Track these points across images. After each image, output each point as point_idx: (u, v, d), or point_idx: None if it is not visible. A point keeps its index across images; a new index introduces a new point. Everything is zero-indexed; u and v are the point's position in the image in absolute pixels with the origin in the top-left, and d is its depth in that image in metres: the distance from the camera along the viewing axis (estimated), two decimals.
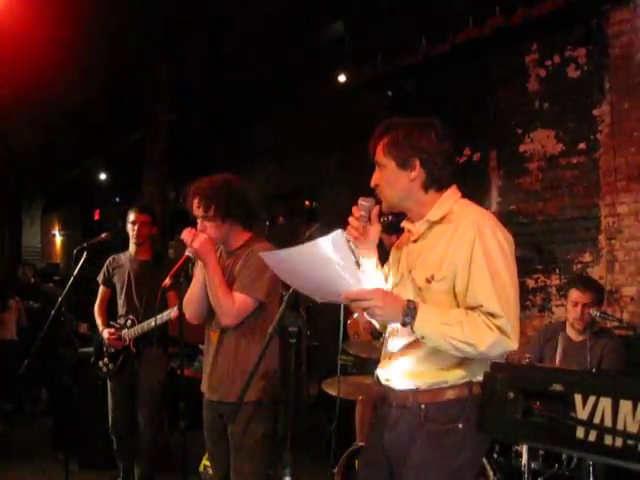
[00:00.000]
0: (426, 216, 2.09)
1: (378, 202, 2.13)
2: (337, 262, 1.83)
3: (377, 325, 2.38)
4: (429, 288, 1.99)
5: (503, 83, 5.86)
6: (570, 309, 3.85)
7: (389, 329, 2.19)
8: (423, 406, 2.01)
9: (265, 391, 2.80)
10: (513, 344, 1.88)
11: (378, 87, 6.85)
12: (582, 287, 3.84)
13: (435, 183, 2.09)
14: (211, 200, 2.78)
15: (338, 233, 1.81)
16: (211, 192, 2.79)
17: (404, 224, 2.21)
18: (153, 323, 3.91)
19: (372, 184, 2.15)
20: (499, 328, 1.86)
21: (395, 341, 2.12)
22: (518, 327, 1.91)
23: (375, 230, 2.14)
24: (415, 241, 2.13)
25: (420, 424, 2.00)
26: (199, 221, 2.82)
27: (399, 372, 2.08)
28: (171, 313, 3.79)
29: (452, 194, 2.11)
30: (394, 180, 2.09)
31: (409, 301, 1.92)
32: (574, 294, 3.83)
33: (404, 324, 1.91)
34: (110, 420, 4.16)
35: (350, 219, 2.09)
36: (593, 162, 5.16)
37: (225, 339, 2.84)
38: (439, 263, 1.99)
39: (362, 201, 2.10)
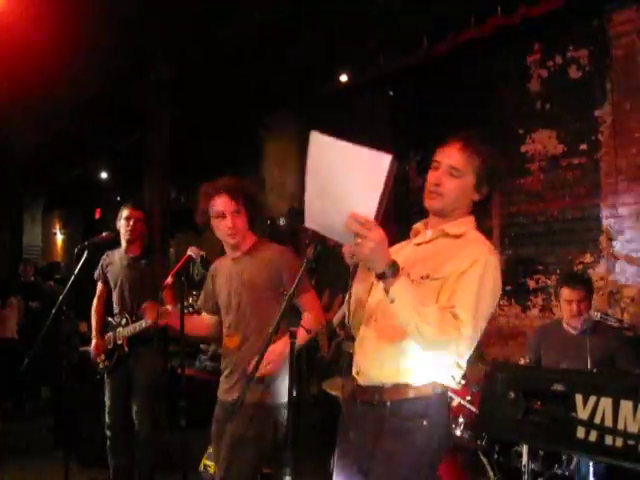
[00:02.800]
0: (443, 226, 2.13)
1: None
2: (371, 180, 1.75)
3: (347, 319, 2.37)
4: (422, 283, 2.02)
5: (504, 83, 5.86)
6: (565, 308, 3.84)
7: (361, 332, 2.21)
8: (388, 403, 2.04)
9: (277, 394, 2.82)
10: (461, 357, 1.96)
11: (380, 87, 6.85)
12: (572, 284, 3.82)
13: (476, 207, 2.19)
14: (243, 196, 2.83)
15: (389, 157, 1.71)
16: (242, 189, 2.84)
17: (417, 225, 2.26)
18: (144, 324, 3.92)
19: (435, 181, 2.11)
20: (462, 333, 1.87)
21: (366, 339, 2.15)
22: (469, 352, 1.96)
23: None
24: (418, 244, 2.18)
25: (385, 420, 2.04)
26: (228, 217, 2.81)
27: (366, 368, 2.12)
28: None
29: (472, 221, 2.19)
30: (462, 194, 2.13)
31: (395, 261, 1.88)
32: (565, 292, 3.81)
33: (382, 276, 1.86)
34: (106, 416, 4.17)
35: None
36: (594, 163, 5.16)
37: (246, 344, 2.86)
38: (438, 268, 2.03)
39: None
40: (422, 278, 2.03)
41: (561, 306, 3.89)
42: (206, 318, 3.13)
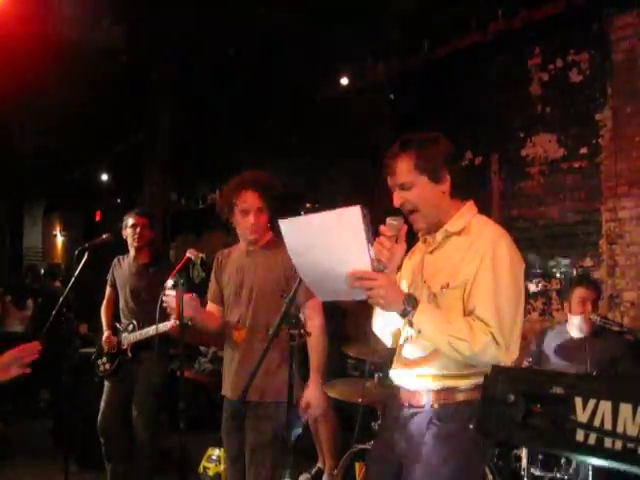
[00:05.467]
0: (445, 226, 2.10)
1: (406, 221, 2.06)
2: (352, 237, 1.81)
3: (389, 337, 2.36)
4: (444, 294, 2.03)
5: (505, 87, 5.87)
6: (576, 308, 3.81)
7: (404, 336, 2.20)
8: (436, 406, 2.04)
9: (281, 392, 2.79)
10: (504, 355, 1.92)
11: (380, 90, 6.86)
12: (588, 285, 3.88)
13: (457, 191, 2.11)
14: (270, 194, 2.84)
15: (357, 208, 1.76)
16: (270, 186, 2.86)
17: (421, 233, 2.22)
18: (151, 332, 3.90)
19: (397, 204, 2.08)
20: (492, 334, 1.90)
21: (411, 348, 2.14)
22: (513, 344, 1.95)
23: (401, 249, 2.05)
24: (431, 252, 2.15)
25: (432, 424, 2.04)
26: (252, 214, 2.83)
27: (414, 376, 2.10)
28: (169, 324, 3.73)
29: (471, 208, 2.14)
30: (430, 196, 2.06)
31: (410, 293, 1.96)
32: (581, 292, 3.82)
33: (404, 313, 1.92)
34: (99, 420, 4.14)
35: (382, 239, 1.97)
36: (595, 167, 5.17)
37: (254, 339, 2.85)
38: (455, 272, 2.02)
39: (391, 220, 2.00)
40: (442, 288, 2.03)
41: (572, 307, 3.84)
42: (214, 310, 3.08)
